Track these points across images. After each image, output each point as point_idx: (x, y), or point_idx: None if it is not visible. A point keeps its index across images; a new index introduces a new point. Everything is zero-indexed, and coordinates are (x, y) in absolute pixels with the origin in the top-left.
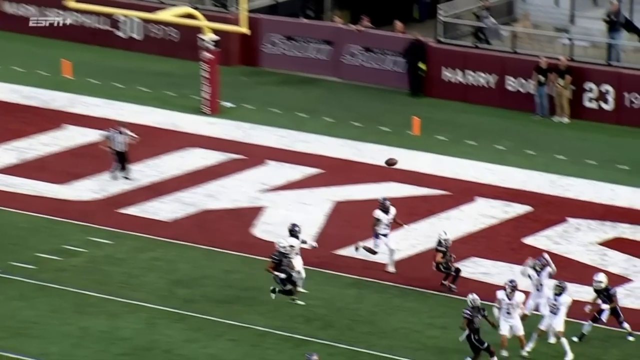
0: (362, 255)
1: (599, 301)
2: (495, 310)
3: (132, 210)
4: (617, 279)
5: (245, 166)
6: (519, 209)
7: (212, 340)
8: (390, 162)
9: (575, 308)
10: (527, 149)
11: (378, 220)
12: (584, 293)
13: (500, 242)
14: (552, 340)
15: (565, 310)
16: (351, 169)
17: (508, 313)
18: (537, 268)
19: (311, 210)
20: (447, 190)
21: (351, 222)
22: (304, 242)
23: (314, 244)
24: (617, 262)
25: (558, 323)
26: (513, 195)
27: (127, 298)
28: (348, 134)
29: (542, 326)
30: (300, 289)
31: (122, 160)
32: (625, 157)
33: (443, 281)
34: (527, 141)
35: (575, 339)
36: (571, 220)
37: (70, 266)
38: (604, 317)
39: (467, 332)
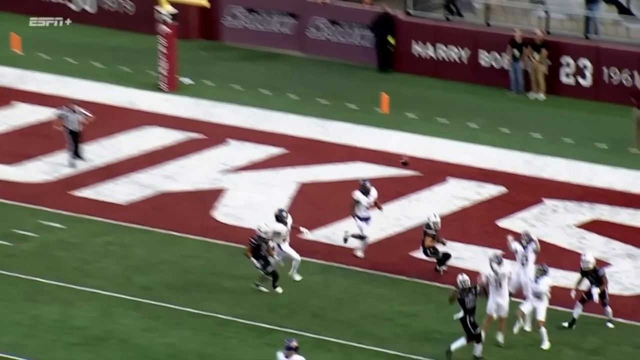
0: (351, 244)
1: (585, 283)
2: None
3: (85, 193)
4: (596, 263)
5: (205, 146)
6: (492, 190)
7: (170, 329)
8: (404, 161)
9: (556, 294)
10: (501, 127)
11: (357, 202)
12: (561, 278)
13: (473, 225)
14: (528, 327)
15: (548, 296)
16: (317, 148)
17: (496, 289)
18: (524, 242)
19: (275, 192)
20: (417, 171)
21: (317, 204)
22: (295, 228)
23: (306, 230)
24: (596, 245)
25: (541, 312)
26: (486, 176)
27: (81, 285)
28: (313, 111)
29: (525, 308)
30: (296, 277)
31: (76, 140)
32: (604, 135)
33: (438, 267)
34: (501, 119)
35: (565, 324)
36: (547, 202)
37: (21, 252)
38: (595, 298)
39: (462, 313)
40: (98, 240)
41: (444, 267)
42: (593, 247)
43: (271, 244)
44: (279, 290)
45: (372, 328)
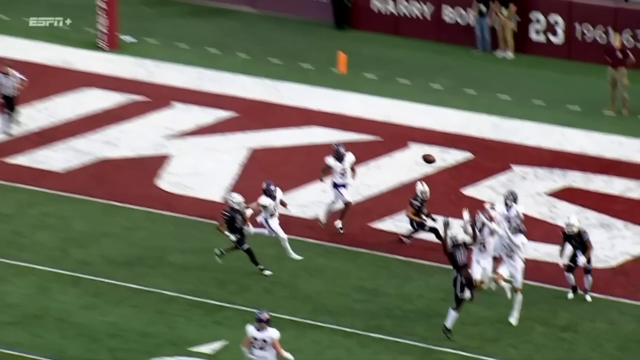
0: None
1: (568, 249)
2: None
3: (19, 160)
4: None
5: (148, 109)
6: (457, 156)
7: (112, 306)
8: (429, 159)
9: (529, 268)
10: (466, 88)
11: (328, 167)
12: (531, 250)
13: (437, 193)
14: (509, 295)
15: (521, 257)
16: (269, 111)
17: (480, 251)
18: (508, 202)
19: (224, 159)
20: (377, 136)
21: (270, 171)
22: (283, 204)
23: (290, 208)
24: (567, 214)
25: (518, 276)
26: (451, 141)
27: (14, 259)
28: (265, 72)
29: (503, 272)
30: (292, 255)
31: (11, 106)
32: (576, 97)
33: (404, 236)
34: (467, 79)
35: (570, 295)
36: (516, 168)
37: None
38: (581, 263)
39: (455, 273)
40: (33, 211)
41: (407, 239)
42: (565, 216)
43: (248, 212)
44: (267, 272)
45: (328, 304)
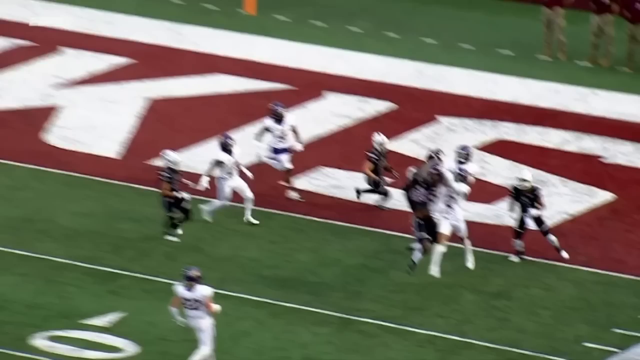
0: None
1: (516, 207)
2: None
3: None
4: (499, 191)
5: (34, 55)
6: (378, 106)
7: None
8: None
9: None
10: (387, 32)
11: (266, 130)
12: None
13: (356, 148)
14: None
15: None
16: (169, 58)
17: (448, 205)
18: (462, 159)
19: (119, 110)
20: (289, 84)
21: (170, 124)
22: (237, 164)
23: (263, 159)
24: (499, 170)
25: (461, 225)
26: (371, 89)
27: None
28: (165, 13)
29: (445, 230)
30: (250, 219)
31: None
32: (508, 40)
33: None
34: (388, 21)
35: (514, 258)
36: (443, 120)
37: None
38: (530, 224)
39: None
40: None
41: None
42: (496, 173)
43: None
44: (172, 238)
45: (236, 272)
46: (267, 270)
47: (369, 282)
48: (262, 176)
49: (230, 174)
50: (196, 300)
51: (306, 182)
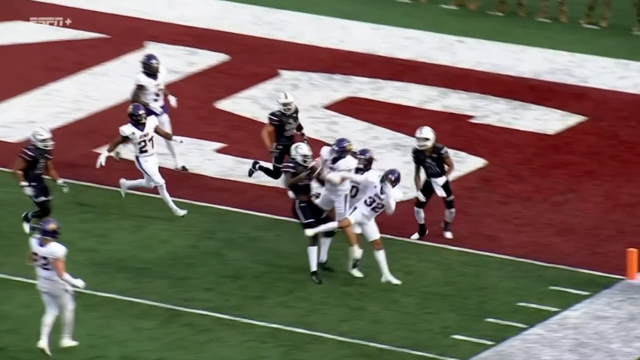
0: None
1: (420, 173)
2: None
3: None
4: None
5: None
6: (209, 59)
7: None
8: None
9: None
10: None
11: (140, 87)
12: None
13: (183, 108)
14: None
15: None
16: None
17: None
18: (361, 165)
19: None
20: (103, 33)
21: None
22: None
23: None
24: (351, 132)
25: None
26: (200, 39)
27: None
28: None
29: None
30: (177, 210)
31: None
32: None
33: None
34: None
35: (415, 236)
36: (285, 74)
37: None
38: (440, 192)
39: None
40: None
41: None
42: (348, 135)
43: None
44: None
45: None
46: (79, 254)
47: (200, 267)
48: (71, 142)
49: (144, 151)
50: (45, 258)
51: (125, 148)
